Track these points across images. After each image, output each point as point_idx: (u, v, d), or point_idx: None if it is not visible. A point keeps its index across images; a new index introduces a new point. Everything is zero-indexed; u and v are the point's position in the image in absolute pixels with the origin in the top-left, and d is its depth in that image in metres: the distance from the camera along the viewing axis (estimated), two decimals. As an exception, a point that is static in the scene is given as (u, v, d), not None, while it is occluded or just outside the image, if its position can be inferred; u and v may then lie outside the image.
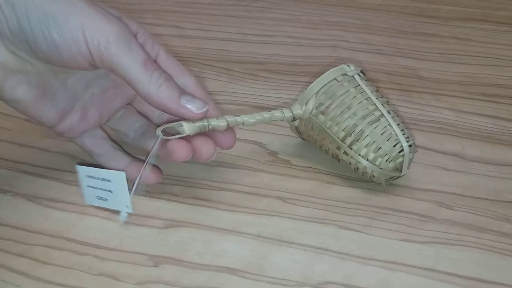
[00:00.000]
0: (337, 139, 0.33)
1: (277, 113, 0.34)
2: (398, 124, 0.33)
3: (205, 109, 0.29)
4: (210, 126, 0.31)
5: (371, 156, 0.33)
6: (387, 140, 0.33)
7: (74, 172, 0.36)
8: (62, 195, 0.35)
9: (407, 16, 0.56)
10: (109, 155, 0.34)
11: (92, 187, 0.32)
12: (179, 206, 0.34)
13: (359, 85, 0.34)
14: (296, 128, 0.36)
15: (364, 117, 0.33)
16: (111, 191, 0.32)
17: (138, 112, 0.35)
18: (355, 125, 0.33)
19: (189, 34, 0.53)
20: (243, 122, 0.32)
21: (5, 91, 0.28)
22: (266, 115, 0.34)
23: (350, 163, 0.34)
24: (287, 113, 0.34)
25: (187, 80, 0.32)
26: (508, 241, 0.31)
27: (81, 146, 0.34)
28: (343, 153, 0.34)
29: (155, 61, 0.30)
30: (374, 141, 0.33)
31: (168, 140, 0.30)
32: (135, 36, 0.29)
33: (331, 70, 0.35)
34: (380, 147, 0.33)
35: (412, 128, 0.40)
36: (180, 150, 0.30)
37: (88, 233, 0.32)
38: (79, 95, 0.32)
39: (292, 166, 0.37)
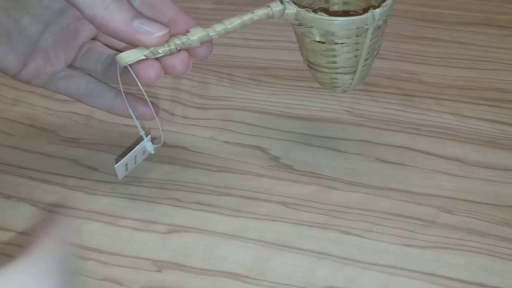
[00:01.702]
0: (307, 55, 0.33)
1: (260, 11, 0.29)
2: (363, 71, 0.33)
3: (162, 32, 0.26)
4: (177, 47, 0.27)
5: (327, 79, 0.33)
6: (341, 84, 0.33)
7: (77, 177, 0.37)
8: (66, 200, 0.35)
9: (408, 21, 0.57)
10: (90, 92, 0.32)
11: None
12: (182, 211, 0.34)
13: (365, 37, 0.31)
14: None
15: (338, 68, 0.32)
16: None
17: (104, 45, 0.33)
18: (325, 66, 0.32)
19: (192, 39, 0.53)
20: (217, 34, 0.27)
21: None
22: (245, 17, 0.29)
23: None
24: (276, 7, 0.29)
25: None
26: (509, 246, 0.32)
27: (57, 91, 0.32)
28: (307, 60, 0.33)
29: None
30: (332, 79, 0.33)
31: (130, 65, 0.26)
32: None
33: (352, 19, 0.30)
34: (336, 81, 0.33)
35: (413, 133, 0.40)
36: (146, 70, 0.26)
37: (91, 238, 0.32)
38: (37, 36, 0.30)
39: (294, 171, 0.37)
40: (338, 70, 0.33)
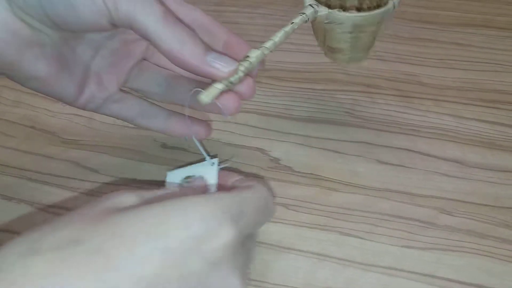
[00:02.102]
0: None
1: (298, 20, 0.30)
2: None
3: (233, 67, 0.27)
4: (244, 74, 0.28)
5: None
6: None
7: (78, 179, 0.37)
8: (67, 202, 0.35)
9: (406, 22, 0.57)
10: (142, 114, 0.32)
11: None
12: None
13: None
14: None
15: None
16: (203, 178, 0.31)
17: (155, 65, 0.33)
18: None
19: (192, 41, 0.53)
20: (269, 50, 0.29)
21: (24, 67, 0.26)
22: (287, 28, 0.30)
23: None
24: (310, 11, 0.31)
25: (200, 18, 0.30)
26: (509, 247, 0.32)
27: (110, 114, 0.32)
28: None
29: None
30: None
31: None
32: None
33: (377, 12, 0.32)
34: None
35: (413, 135, 0.41)
36: (229, 104, 0.28)
37: (92, 240, 0.32)
38: (90, 61, 0.30)
39: (294, 172, 0.37)
40: (357, 51, 0.34)
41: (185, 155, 0.39)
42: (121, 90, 0.32)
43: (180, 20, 0.26)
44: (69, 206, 0.35)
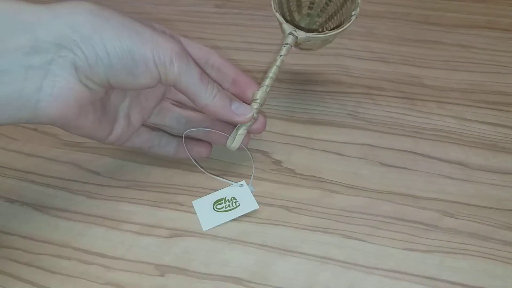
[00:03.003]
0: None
1: (284, 51, 0.35)
2: None
3: (251, 114, 0.33)
4: (256, 111, 0.34)
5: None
6: None
7: (80, 181, 0.37)
8: (69, 204, 0.35)
9: (411, 24, 0.57)
10: (159, 144, 0.36)
11: (219, 210, 0.34)
12: (184, 216, 0.34)
13: None
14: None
15: None
16: (235, 199, 0.35)
17: (172, 102, 0.37)
18: None
19: (194, 43, 0.53)
20: (269, 86, 0.34)
21: (76, 121, 0.29)
22: (279, 62, 0.35)
23: None
24: (291, 40, 0.36)
25: (213, 59, 0.34)
26: (512, 250, 0.32)
27: (131, 147, 0.35)
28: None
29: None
30: None
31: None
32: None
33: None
34: None
35: (416, 137, 0.40)
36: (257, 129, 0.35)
37: (94, 243, 0.32)
38: (120, 104, 0.33)
39: (296, 175, 0.37)
40: (324, 47, 0.41)
41: (187, 157, 0.39)
42: (142, 124, 0.36)
43: (208, 76, 0.32)
44: (72, 209, 0.35)
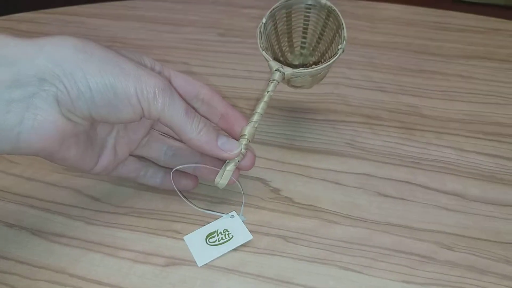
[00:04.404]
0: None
1: (272, 87, 0.36)
2: None
3: (238, 150, 0.33)
4: (244, 148, 0.34)
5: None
6: None
7: (79, 207, 0.37)
8: (67, 230, 0.35)
9: (411, 54, 0.57)
10: (145, 175, 0.37)
11: (212, 243, 0.34)
12: (181, 244, 0.34)
13: None
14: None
15: None
16: (228, 231, 0.35)
17: (160, 134, 0.37)
18: None
19: (196, 70, 0.54)
20: (258, 122, 0.34)
21: (58, 154, 0.30)
22: (267, 98, 0.35)
23: None
24: (278, 77, 0.36)
25: (203, 92, 0.34)
26: (510, 284, 0.31)
27: (118, 176, 0.36)
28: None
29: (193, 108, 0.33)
30: None
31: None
32: (173, 86, 0.32)
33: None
34: None
35: (413, 167, 0.41)
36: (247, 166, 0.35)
37: (90, 269, 0.32)
38: (107, 136, 0.34)
39: (294, 203, 0.37)
40: (315, 83, 0.42)
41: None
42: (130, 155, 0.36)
43: (195, 110, 0.32)
44: (70, 235, 0.35)
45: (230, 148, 0.32)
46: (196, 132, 0.31)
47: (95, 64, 0.28)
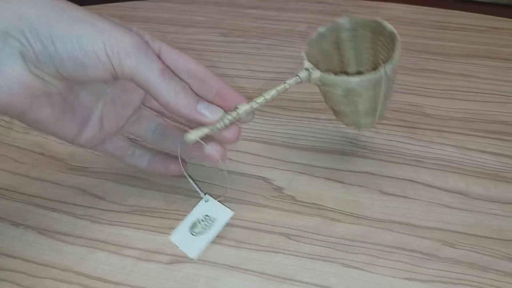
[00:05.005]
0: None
1: (291, 80, 0.33)
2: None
3: (220, 114, 0.31)
4: (230, 122, 0.32)
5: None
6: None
7: (84, 206, 0.37)
8: (73, 228, 0.36)
9: (411, 53, 0.58)
10: (132, 154, 0.36)
11: (197, 233, 0.34)
12: (185, 242, 0.34)
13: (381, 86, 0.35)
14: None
15: (360, 112, 0.36)
16: (208, 216, 0.35)
17: (151, 109, 0.36)
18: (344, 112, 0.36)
19: (199, 70, 0.54)
20: (259, 105, 0.33)
21: (30, 113, 0.29)
22: (280, 87, 0.33)
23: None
24: (303, 74, 0.34)
25: (196, 68, 0.32)
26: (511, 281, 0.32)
27: (104, 153, 0.36)
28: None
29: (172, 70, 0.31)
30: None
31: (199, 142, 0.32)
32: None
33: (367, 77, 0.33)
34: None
35: (416, 165, 0.41)
36: (216, 154, 0.33)
37: (96, 268, 0.33)
38: (93, 106, 0.33)
39: (297, 202, 0.38)
40: (360, 116, 0.36)
41: (188, 182, 0.39)
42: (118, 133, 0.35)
43: (175, 74, 0.30)
44: (75, 233, 0.35)
45: (211, 113, 0.31)
46: (173, 95, 0.29)
47: (64, 21, 0.27)
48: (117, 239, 0.35)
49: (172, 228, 0.35)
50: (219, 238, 0.35)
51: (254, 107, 0.33)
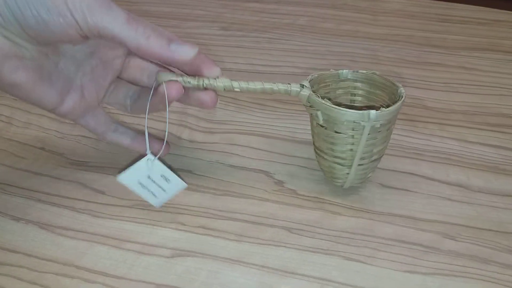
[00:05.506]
0: (312, 137, 0.36)
1: (281, 86, 0.34)
2: (359, 171, 0.35)
3: (194, 52, 0.31)
4: (204, 85, 0.33)
5: (326, 167, 0.36)
6: (338, 178, 0.36)
7: (85, 200, 0.37)
8: (74, 223, 0.36)
9: (413, 46, 0.57)
10: (116, 130, 0.37)
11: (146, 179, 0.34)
12: (186, 235, 0.34)
13: (361, 134, 0.33)
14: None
15: (336, 156, 0.35)
16: (163, 189, 0.35)
17: (128, 82, 0.37)
18: (325, 152, 0.35)
19: (199, 64, 0.54)
20: (240, 89, 0.33)
21: (4, 75, 0.29)
22: (267, 85, 0.34)
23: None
24: (295, 87, 0.34)
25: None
26: (513, 274, 0.32)
27: (86, 126, 0.36)
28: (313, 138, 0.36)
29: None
30: (329, 167, 0.36)
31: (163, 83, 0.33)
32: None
33: (352, 113, 0.32)
34: (332, 172, 0.36)
35: (417, 158, 0.41)
36: (171, 89, 0.33)
37: (97, 262, 0.33)
38: (73, 75, 0.33)
39: (298, 195, 0.38)
40: (336, 159, 0.35)
41: (190, 177, 0.39)
42: (100, 107, 0.36)
43: (141, 20, 0.30)
44: (76, 228, 0.35)
45: (184, 50, 0.30)
46: (143, 39, 0.29)
47: None
48: (118, 233, 0.35)
49: (173, 222, 0.35)
50: (219, 232, 0.35)
51: (234, 87, 0.33)
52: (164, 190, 0.35)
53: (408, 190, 0.38)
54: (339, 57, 0.56)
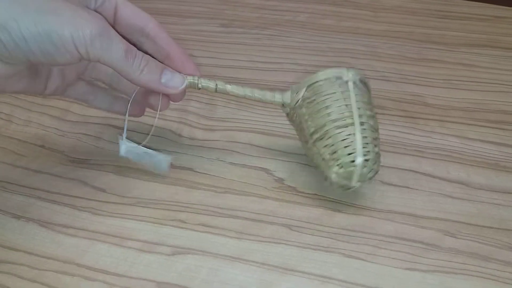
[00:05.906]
0: (307, 133, 0.35)
1: (268, 95, 0.37)
2: (365, 137, 0.34)
3: (184, 85, 0.34)
4: (200, 86, 0.35)
5: (327, 156, 0.34)
6: (345, 147, 0.33)
7: (85, 198, 0.37)
8: (74, 221, 0.36)
9: (413, 42, 0.57)
10: (95, 99, 0.39)
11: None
12: (186, 233, 0.34)
13: (348, 91, 0.34)
14: (287, 114, 0.38)
15: (334, 120, 0.34)
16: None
17: (99, 80, 0.39)
18: (324, 125, 0.34)
19: (200, 61, 0.54)
20: (231, 92, 0.36)
21: (7, 90, 0.32)
22: (257, 93, 0.36)
23: (312, 159, 0.36)
24: (277, 98, 0.37)
25: (150, 27, 0.34)
26: (513, 271, 0.32)
27: (68, 97, 0.38)
28: (309, 147, 0.36)
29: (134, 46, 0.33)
30: (333, 144, 0.34)
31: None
32: (113, 27, 0.32)
33: (330, 69, 0.36)
34: (336, 151, 0.33)
35: (418, 155, 0.41)
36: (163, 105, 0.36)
37: (98, 259, 0.33)
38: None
39: (298, 193, 0.38)
40: (335, 123, 0.34)
41: (192, 174, 0.39)
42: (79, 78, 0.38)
43: (140, 45, 0.34)
44: (76, 225, 0.35)
45: (176, 85, 0.34)
46: (138, 73, 0.32)
47: (30, 15, 0.28)
48: (118, 231, 0.35)
49: (174, 219, 0.35)
50: (220, 229, 0.35)
51: (220, 88, 0.36)
52: (159, 162, 0.37)
53: (408, 187, 0.38)
54: (340, 53, 0.56)
